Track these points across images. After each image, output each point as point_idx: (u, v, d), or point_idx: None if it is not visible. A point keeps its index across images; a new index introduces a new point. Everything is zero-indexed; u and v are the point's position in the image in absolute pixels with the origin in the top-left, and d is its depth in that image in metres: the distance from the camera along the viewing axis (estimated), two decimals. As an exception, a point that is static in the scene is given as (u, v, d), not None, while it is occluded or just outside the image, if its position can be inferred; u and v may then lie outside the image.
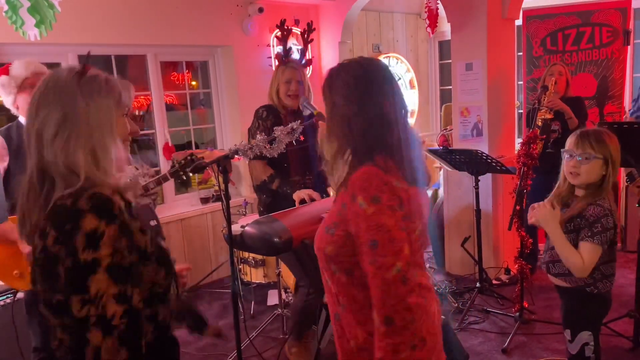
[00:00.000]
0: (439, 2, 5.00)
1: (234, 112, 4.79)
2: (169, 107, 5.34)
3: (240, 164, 4.79)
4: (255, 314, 3.92)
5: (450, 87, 4.51)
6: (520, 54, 4.97)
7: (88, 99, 1.19)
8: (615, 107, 4.69)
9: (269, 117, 2.89)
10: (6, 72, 2.51)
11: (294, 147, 2.68)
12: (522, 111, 5.15)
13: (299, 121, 2.51)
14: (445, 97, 6.40)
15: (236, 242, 2.33)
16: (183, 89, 5.09)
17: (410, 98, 6.18)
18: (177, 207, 4.55)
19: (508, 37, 4.33)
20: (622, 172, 4.01)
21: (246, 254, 4.00)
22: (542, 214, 2.15)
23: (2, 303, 2.78)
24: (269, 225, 2.18)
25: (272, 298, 4.06)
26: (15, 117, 2.67)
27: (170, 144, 4.49)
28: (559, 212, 2.15)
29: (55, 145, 1.16)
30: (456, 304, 3.79)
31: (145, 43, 4.19)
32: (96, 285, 1.07)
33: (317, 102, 2.72)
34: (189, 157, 2.88)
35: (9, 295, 2.81)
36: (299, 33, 4.72)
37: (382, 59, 5.79)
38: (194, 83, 6.09)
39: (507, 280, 4.14)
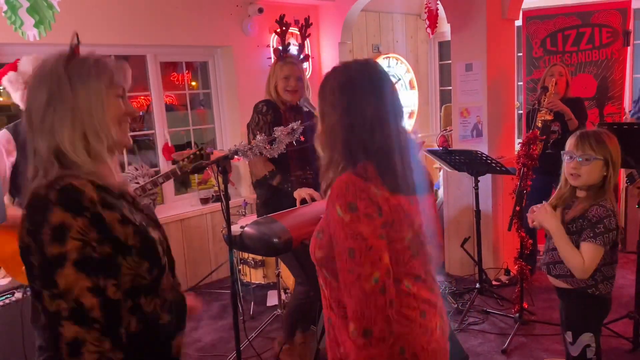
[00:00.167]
0: (438, 2, 5.00)
1: (233, 113, 4.79)
2: (169, 108, 5.34)
3: (240, 164, 4.79)
4: (255, 314, 3.91)
5: (450, 87, 4.51)
6: (520, 54, 4.96)
7: (77, 82, 1.17)
8: (615, 108, 4.69)
9: (268, 112, 2.86)
10: (14, 68, 2.52)
11: (294, 147, 2.68)
12: (522, 112, 5.14)
13: (299, 121, 2.51)
14: (445, 98, 6.39)
15: (236, 242, 2.33)
16: (183, 89, 5.09)
17: (410, 99, 6.17)
18: (176, 208, 4.55)
19: (508, 37, 4.33)
20: (622, 173, 4.01)
21: (246, 255, 4.00)
22: (543, 214, 2.15)
23: (1, 303, 2.79)
24: (268, 225, 2.18)
25: (272, 299, 4.06)
26: (14, 116, 2.68)
27: (170, 145, 4.49)
28: (559, 213, 2.14)
29: (43, 129, 1.15)
30: (456, 305, 3.79)
31: (145, 43, 4.19)
32: (64, 279, 1.05)
33: (315, 99, 2.72)
34: (198, 152, 2.87)
35: (9, 296, 2.81)
36: (298, 33, 4.72)
37: (382, 59, 5.79)
38: (193, 83, 6.08)
39: (506, 281, 4.14)
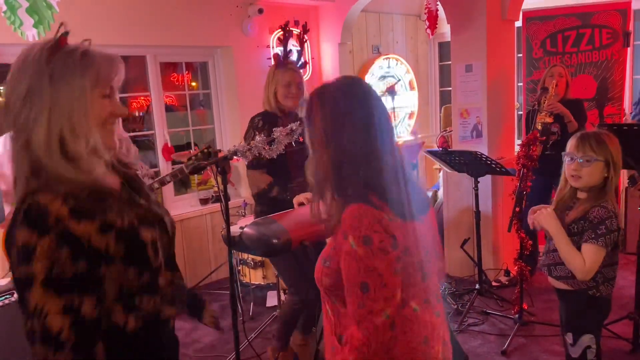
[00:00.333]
0: (438, 3, 5.00)
1: (233, 113, 4.78)
2: (169, 108, 5.34)
3: (240, 164, 4.78)
4: (254, 315, 3.91)
5: (450, 88, 4.51)
6: (520, 55, 4.96)
7: (58, 78, 1.07)
8: (615, 109, 4.69)
9: (264, 127, 2.77)
10: None
11: (293, 149, 2.67)
12: (521, 113, 5.14)
13: (298, 122, 2.50)
14: (445, 99, 6.39)
15: (235, 243, 2.33)
16: (183, 89, 5.09)
17: (410, 99, 6.17)
18: (176, 208, 4.54)
19: (508, 38, 4.33)
20: (623, 174, 4.01)
21: (245, 255, 3.99)
22: (543, 216, 2.14)
23: (1, 304, 2.78)
24: (267, 226, 2.17)
25: (271, 299, 4.06)
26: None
27: (169, 145, 4.49)
28: (560, 214, 2.14)
29: (18, 126, 1.08)
30: (455, 306, 3.78)
31: (145, 44, 4.19)
32: (33, 300, 1.01)
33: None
34: (205, 150, 2.84)
35: (8, 296, 2.80)
36: (298, 34, 4.72)
37: (382, 60, 5.79)
38: (193, 84, 6.09)
39: (506, 282, 4.14)
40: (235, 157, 2.40)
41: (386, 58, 5.86)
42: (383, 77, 5.84)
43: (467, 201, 4.22)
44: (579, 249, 2.06)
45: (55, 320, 1.01)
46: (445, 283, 4.23)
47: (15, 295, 2.67)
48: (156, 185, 2.98)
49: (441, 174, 4.62)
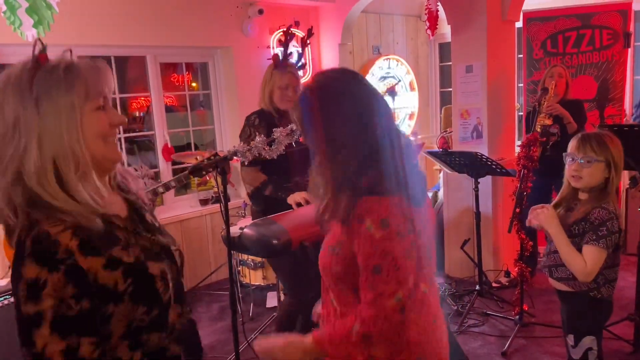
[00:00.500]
0: (439, 4, 5.00)
1: (233, 114, 4.78)
2: (169, 109, 5.33)
3: (239, 165, 4.78)
4: (254, 316, 3.90)
5: (450, 89, 4.51)
6: (521, 56, 4.96)
7: (44, 100, 0.99)
8: (615, 110, 4.69)
9: (261, 125, 2.76)
10: None
11: (293, 149, 2.66)
12: (522, 113, 5.14)
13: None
14: (445, 99, 6.39)
15: (235, 244, 2.33)
16: (183, 90, 5.08)
17: (410, 100, 6.17)
18: (176, 209, 4.54)
19: (508, 39, 4.32)
20: (624, 175, 4.00)
21: (245, 256, 3.99)
22: (544, 216, 2.14)
23: (0, 304, 2.78)
24: (267, 227, 2.17)
25: (271, 300, 4.05)
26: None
27: (169, 146, 4.49)
28: (561, 215, 2.13)
29: (11, 156, 0.99)
30: (455, 307, 3.78)
31: (145, 44, 4.19)
32: (42, 340, 0.96)
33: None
34: (212, 158, 2.84)
35: (7, 297, 2.80)
36: (300, 36, 4.72)
37: (383, 60, 5.79)
38: (193, 84, 6.08)
39: (506, 283, 4.13)
40: (235, 157, 2.39)
41: (386, 59, 5.86)
42: (383, 78, 5.83)
43: (467, 202, 4.21)
44: (580, 250, 2.05)
45: None
46: (445, 284, 4.23)
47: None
48: (161, 189, 2.97)
49: (441, 174, 4.62)
